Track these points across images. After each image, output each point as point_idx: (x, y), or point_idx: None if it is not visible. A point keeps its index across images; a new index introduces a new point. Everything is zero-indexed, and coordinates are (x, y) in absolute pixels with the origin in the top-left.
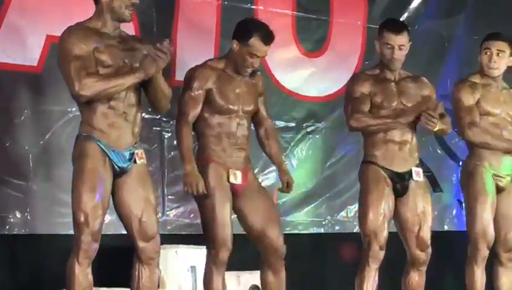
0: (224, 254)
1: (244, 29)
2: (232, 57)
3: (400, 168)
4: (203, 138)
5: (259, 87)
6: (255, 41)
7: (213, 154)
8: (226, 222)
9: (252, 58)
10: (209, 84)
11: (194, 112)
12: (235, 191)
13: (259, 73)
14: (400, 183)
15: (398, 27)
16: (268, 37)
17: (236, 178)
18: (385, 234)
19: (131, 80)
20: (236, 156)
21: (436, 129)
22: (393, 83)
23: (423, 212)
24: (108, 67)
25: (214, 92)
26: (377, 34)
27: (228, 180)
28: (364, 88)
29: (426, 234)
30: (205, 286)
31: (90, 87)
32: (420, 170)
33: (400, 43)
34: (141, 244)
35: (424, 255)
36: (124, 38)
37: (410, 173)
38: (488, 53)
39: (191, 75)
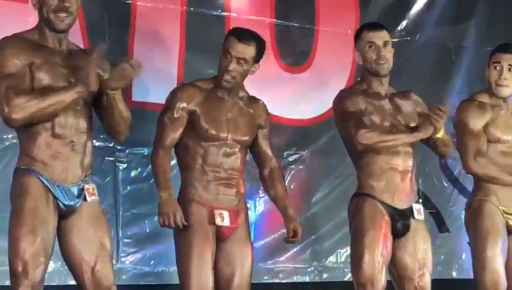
0: None
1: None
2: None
3: (402, 204)
4: (187, 171)
5: (260, 118)
6: (228, 39)
7: (193, 192)
8: (206, 275)
9: (226, 58)
10: (192, 105)
11: (172, 136)
12: (221, 234)
13: (261, 102)
14: (401, 222)
15: (376, 24)
16: (242, 34)
17: (223, 219)
18: (383, 282)
19: (70, 95)
20: (223, 193)
21: (439, 135)
22: (386, 100)
23: (424, 258)
24: (42, 89)
25: (198, 114)
26: (355, 43)
27: (212, 223)
28: (360, 104)
29: (428, 283)
30: None
31: (22, 108)
32: (421, 207)
33: (384, 39)
34: None
35: None
36: (72, 53)
37: (411, 209)
38: (498, 68)
39: (173, 93)
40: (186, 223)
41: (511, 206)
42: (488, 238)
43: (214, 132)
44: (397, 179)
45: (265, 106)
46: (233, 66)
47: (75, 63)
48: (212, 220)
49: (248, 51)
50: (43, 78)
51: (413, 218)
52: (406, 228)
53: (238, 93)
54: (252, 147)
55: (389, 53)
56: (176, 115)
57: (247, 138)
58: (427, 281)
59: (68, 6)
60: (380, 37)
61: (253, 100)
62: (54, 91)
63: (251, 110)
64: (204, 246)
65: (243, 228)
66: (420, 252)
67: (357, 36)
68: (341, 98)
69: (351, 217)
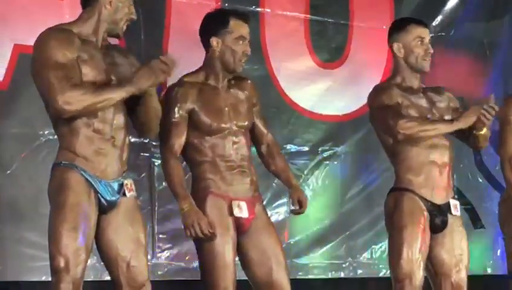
0: None
1: (216, 20)
2: (214, 61)
3: (440, 200)
4: (196, 166)
5: (252, 97)
6: (235, 23)
7: (211, 185)
8: (229, 267)
9: (241, 43)
10: (190, 103)
11: (179, 140)
12: (240, 226)
13: (249, 81)
14: (440, 217)
15: (422, 20)
16: (244, 14)
17: (241, 210)
18: (421, 278)
19: (121, 94)
20: (239, 182)
21: (483, 132)
22: (420, 94)
23: (461, 254)
24: (91, 83)
25: (197, 111)
26: (394, 34)
27: (231, 214)
28: (396, 97)
29: (464, 279)
30: None
31: (77, 101)
32: (458, 202)
33: (429, 36)
34: None
35: None
36: (108, 48)
37: (448, 205)
38: None
39: (168, 97)
40: (212, 231)
41: None
42: None
43: (217, 124)
44: (436, 173)
45: (253, 83)
46: (249, 48)
47: (112, 60)
48: (230, 212)
49: None
50: (88, 73)
51: (451, 213)
52: (444, 224)
53: (226, 77)
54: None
55: None
56: (177, 119)
57: (248, 122)
58: (463, 277)
59: (134, 18)
60: (427, 33)
61: (240, 80)
62: (107, 87)
63: (245, 92)
64: (226, 239)
65: (262, 216)
66: (457, 248)
67: (401, 28)
68: (376, 93)
69: (389, 212)
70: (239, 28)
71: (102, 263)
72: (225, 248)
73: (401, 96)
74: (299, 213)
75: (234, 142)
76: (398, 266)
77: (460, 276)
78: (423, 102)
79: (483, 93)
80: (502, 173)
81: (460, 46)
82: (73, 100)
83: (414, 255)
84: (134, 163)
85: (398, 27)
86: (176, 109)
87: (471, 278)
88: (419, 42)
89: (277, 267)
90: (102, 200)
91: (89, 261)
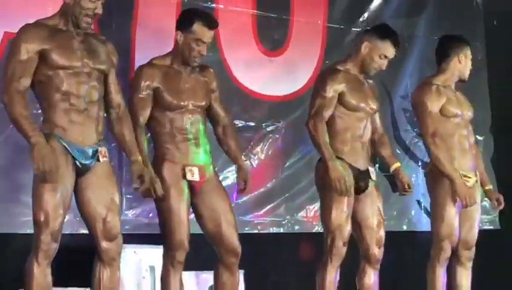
0: (180, 255)
1: (186, 18)
2: (178, 49)
3: (363, 167)
4: (157, 137)
5: (212, 84)
6: (198, 27)
7: (167, 152)
8: (183, 222)
9: (198, 45)
10: (155, 83)
11: (144, 114)
12: (192, 188)
13: (211, 70)
14: (364, 181)
15: (398, 40)
16: (211, 22)
17: (193, 175)
18: (349, 230)
19: (27, 138)
20: (193, 152)
21: None
22: (366, 84)
23: (379, 209)
24: (62, 68)
25: (161, 89)
26: (368, 36)
27: (184, 178)
28: (338, 87)
29: (383, 231)
30: (163, 286)
31: (7, 105)
32: (373, 169)
33: (393, 56)
34: (104, 244)
35: (380, 253)
36: (88, 35)
37: (368, 171)
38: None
39: (137, 75)
40: (163, 193)
41: (467, 168)
42: (448, 199)
43: (176, 102)
44: (359, 146)
45: (214, 72)
46: (205, 51)
47: (89, 47)
48: (184, 176)
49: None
50: (58, 59)
51: (370, 178)
52: (367, 186)
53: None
54: (207, 110)
55: None
56: (142, 95)
57: (205, 102)
58: (383, 229)
59: (99, 14)
60: (393, 54)
61: (204, 68)
62: (27, 120)
63: (205, 79)
64: (180, 199)
65: (214, 180)
66: (375, 205)
67: (380, 36)
68: (326, 78)
69: (322, 174)
70: (200, 32)
71: (78, 218)
72: (180, 207)
73: (345, 86)
74: (243, 191)
75: (189, 118)
76: (329, 219)
77: (382, 228)
78: (364, 93)
79: (403, 79)
80: (427, 147)
81: None
82: (10, 104)
83: (342, 211)
84: (106, 134)
85: (378, 33)
86: (143, 86)
87: (390, 234)
88: (382, 58)
89: (226, 222)
90: (77, 163)
91: (66, 217)
